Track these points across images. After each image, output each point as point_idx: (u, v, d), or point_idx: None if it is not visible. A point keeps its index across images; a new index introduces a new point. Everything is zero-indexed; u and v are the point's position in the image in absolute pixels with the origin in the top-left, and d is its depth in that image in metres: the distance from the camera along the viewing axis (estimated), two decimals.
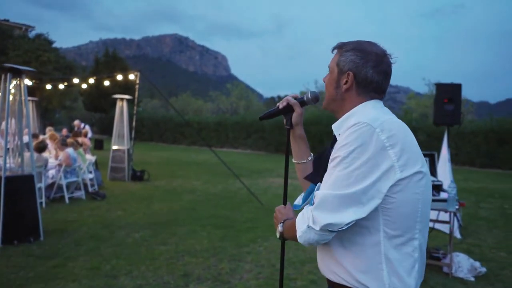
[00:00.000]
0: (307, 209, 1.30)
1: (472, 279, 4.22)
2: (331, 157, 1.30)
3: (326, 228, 1.22)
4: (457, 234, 5.80)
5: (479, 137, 16.36)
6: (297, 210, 1.66)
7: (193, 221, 6.45)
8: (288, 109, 1.63)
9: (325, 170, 1.38)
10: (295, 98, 1.64)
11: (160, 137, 27.25)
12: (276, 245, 5.22)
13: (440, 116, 6.10)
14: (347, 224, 1.21)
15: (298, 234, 1.30)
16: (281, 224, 1.53)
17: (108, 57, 29.42)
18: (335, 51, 1.47)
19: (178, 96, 49.50)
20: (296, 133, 1.68)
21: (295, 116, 1.63)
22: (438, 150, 17.12)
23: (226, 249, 5.05)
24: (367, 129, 1.23)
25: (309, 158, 1.69)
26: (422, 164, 1.27)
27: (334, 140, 1.43)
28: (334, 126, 1.45)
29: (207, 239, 5.47)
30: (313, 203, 1.27)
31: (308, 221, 1.26)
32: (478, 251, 5.21)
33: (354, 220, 1.21)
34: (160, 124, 27.33)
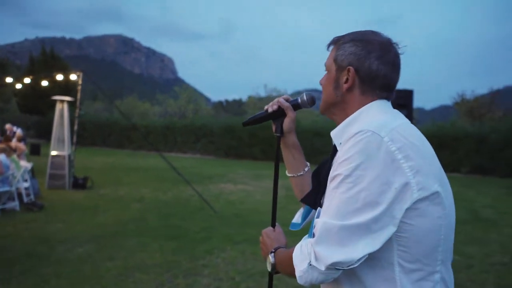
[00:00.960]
0: (306, 243, 1.05)
1: None
2: (331, 174, 1.06)
3: (333, 267, 0.99)
4: None
5: None
6: (296, 230, 1.44)
7: (142, 232, 6.02)
8: (279, 113, 1.38)
9: (325, 188, 1.16)
10: (287, 101, 1.39)
11: (104, 142, 25.97)
12: (234, 256, 4.96)
13: None
14: (358, 260, 0.98)
15: (298, 274, 1.05)
16: (272, 254, 1.25)
17: (46, 56, 27.58)
18: (331, 47, 1.24)
19: (123, 99, 47.70)
20: (289, 141, 1.43)
21: (287, 122, 1.39)
22: None
23: (180, 262, 4.71)
24: (373, 139, 1.00)
25: (306, 169, 1.46)
26: (443, 180, 1.06)
27: (334, 150, 1.22)
28: (333, 134, 1.21)
29: (159, 252, 5.09)
30: (313, 235, 1.03)
31: (309, 258, 1.02)
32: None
33: (366, 255, 0.98)
34: (104, 127, 26.06)
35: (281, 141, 1.43)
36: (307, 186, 1.44)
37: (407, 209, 0.99)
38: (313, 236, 1.03)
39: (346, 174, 1.00)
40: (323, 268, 0.98)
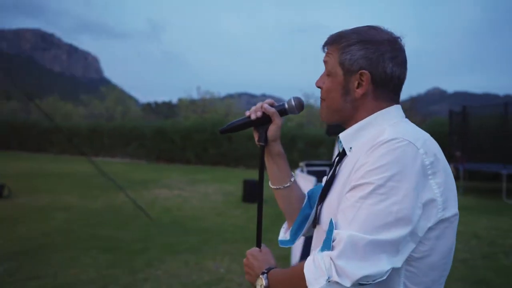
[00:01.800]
0: (321, 257, 0.92)
1: None
2: (354, 183, 0.95)
3: (361, 282, 0.88)
4: None
5: None
6: (285, 247, 1.31)
7: (72, 245, 5.49)
8: (263, 120, 1.22)
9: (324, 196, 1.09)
10: (272, 105, 1.24)
11: (20, 145, 23.81)
12: (176, 267, 4.69)
13: (333, 127, 6.30)
14: (386, 272, 0.89)
15: None
16: (265, 275, 1.10)
17: None
18: (327, 48, 1.13)
19: (43, 99, 44.18)
20: (274, 150, 1.28)
21: (273, 129, 1.23)
22: (316, 157, 18.07)
23: (117, 277, 4.34)
24: (409, 149, 0.92)
25: (292, 179, 1.32)
26: (457, 201, 1.01)
27: (340, 155, 1.13)
28: (343, 137, 1.12)
29: (93, 266, 4.65)
30: (332, 247, 0.92)
31: (327, 274, 0.89)
32: None
33: (391, 269, 0.90)
34: (21, 130, 23.90)
35: (265, 151, 1.28)
36: (295, 198, 1.33)
37: (429, 228, 0.94)
38: (332, 249, 0.92)
39: (379, 184, 0.90)
40: (348, 284, 0.88)
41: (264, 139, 1.24)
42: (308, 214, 1.31)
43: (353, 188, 0.96)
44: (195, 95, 34.13)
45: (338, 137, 1.20)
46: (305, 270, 0.95)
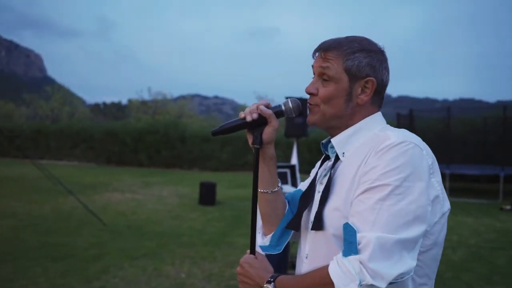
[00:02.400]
0: (349, 261, 0.93)
1: None
2: (368, 185, 0.98)
3: (393, 281, 0.92)
4: None
5: (301, 146, 18.26)
6: (267, 254, 1.28)
7: (19, 254, 5.16)
8: (259, 122, 1.20)
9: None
10: (267, 107, 1.21)
11: None
12: (134, 274, 4.56)
13: (291, 129, 6.42)
14: (413, 269, 0.95)
15: None
16: (271, 284, 1.07)
17: None
18: (323, 54, 1.13)
19: None
20: (268, 153, 1.25)
21: (269, 132, 1.20)
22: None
23: (72, 286, 4.16)
24: (417, 151, 1.00)
25: (279, 185, 1.31)
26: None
27: (330, 161, 1.17)
28: (336, 142, 1.15)
29: (44, 276, 4.41)
30: (359, 250, 0.93)
31: (358, 278, 0.91)
32: None
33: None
34: None
35: (259, 154, 1.24)
36: (281, 204, 1.32)
37: (434, 223, 1.02)
38: (359, 252, 0.93)
39: (396, 185, 0.95)
40: (384, 285, 0.91)
41: (259, 141, 1.21)
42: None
43: (367, 190, 0.98)
44: (146, 96, 33.30)
45: (322, 143, 1.23)
46: (332, 276, 0.94)
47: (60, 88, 28.77)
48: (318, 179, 1.21)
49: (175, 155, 18.96)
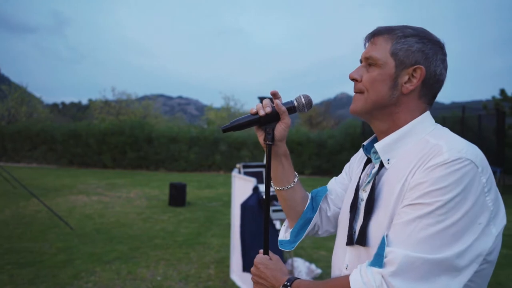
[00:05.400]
0: (371, 272, 0.91)
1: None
2: (411, 201, 0.92)
3: None
4: None
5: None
6: (286, 250, 1.26)
7: None
8: (271, 118, 1.18)
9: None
10: (274, 98, 1.19)
11: None
12: (108, 278, 4.42)
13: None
14: None
15: None
16: (288, 287, 1.06)
17: None
18: (374, 38, 1.06)
19: None
20: (280, 150, 1.23)
21: (282, 128, 1.18)
22: (240, 159, 18.15)
23: None
24: (470, 170, 0.90)
25: (296, 180, 1.28)
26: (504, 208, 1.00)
27: (374, 167, 1.11)
28: (380, 147, 1.06)
29: (11, 284, 4.19)
30: (384, 264, 0.90)
31: None
32: (304, 253, 5.64)
33: None
34: None
35: (271, 151, 1.21)
36: (299, 199, 1.29)
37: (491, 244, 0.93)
38: (384, 266, 0.90)
39: (439, 205, 0.88)
40: None
41: (272, 137, 1.18)
42: (309, 218, 1.28)
43: (409, 205, 0.92)
44: (110, 96, 32.32)
45: (363, 145, 1.18)
46: (351, 284, 0.92)
47: (16, 87, 27.42)
48: (361, 186, 1.13)
49: (141, 156, 18.56)
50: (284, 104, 1.20)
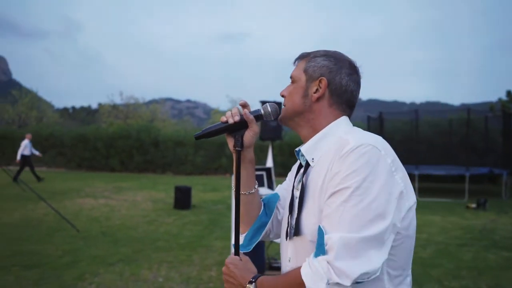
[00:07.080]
0: (317, 261, 1.00)
1: None
2: (332, 190, 1.04)
3: (359, 280, 0.97)
4: None
5: (275, 149, 18.39)
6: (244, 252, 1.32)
7: None
8: (240, 125, 1.27)
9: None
10: (243, 107, 1.28)
11: None
12: (111, 280, 4.52)
13: (265, 132, 6.52)
14: (379, 268, 0.99)
15: None
16: (253, 284, 1.14)
17: None
18: (297, 61, 1.29)
19: None
20: (247, 156, 1.32)
21: (250, 135, 1.28)
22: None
23: None
24: (373, 152, 1.04)
25: (256, 186, 1.37)
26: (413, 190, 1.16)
27: (303, 167, 1.22)
28: (304, 149, 1.21)
29: (17, 285, 4.31)
30: (326, 251, 0.99)
31: (326, 277, 0.97)
32: None
33: (382, 265, 1.01)
34: None
35: (240, 156, 1.30)
36: (256, 205, 1.38)
37: (402, 218, 1.05)
38: (326, 253, 0.99)
39: (356, 186, 1.00)
40: (349, 283, 0.95)
41: (241, 144, 1.27)
42: (264, 222, 1.36)
43: (333, 194, 1.04)
44: (118, 100, 32.65)
45: (295, 150, 1.29)
46: (303, 276, 1.01)
47: (27, 92, 27.84)
48: (295, 186, 1.25)
49: (148, 160, 18.76)
50: (252, 112, 1.29)
